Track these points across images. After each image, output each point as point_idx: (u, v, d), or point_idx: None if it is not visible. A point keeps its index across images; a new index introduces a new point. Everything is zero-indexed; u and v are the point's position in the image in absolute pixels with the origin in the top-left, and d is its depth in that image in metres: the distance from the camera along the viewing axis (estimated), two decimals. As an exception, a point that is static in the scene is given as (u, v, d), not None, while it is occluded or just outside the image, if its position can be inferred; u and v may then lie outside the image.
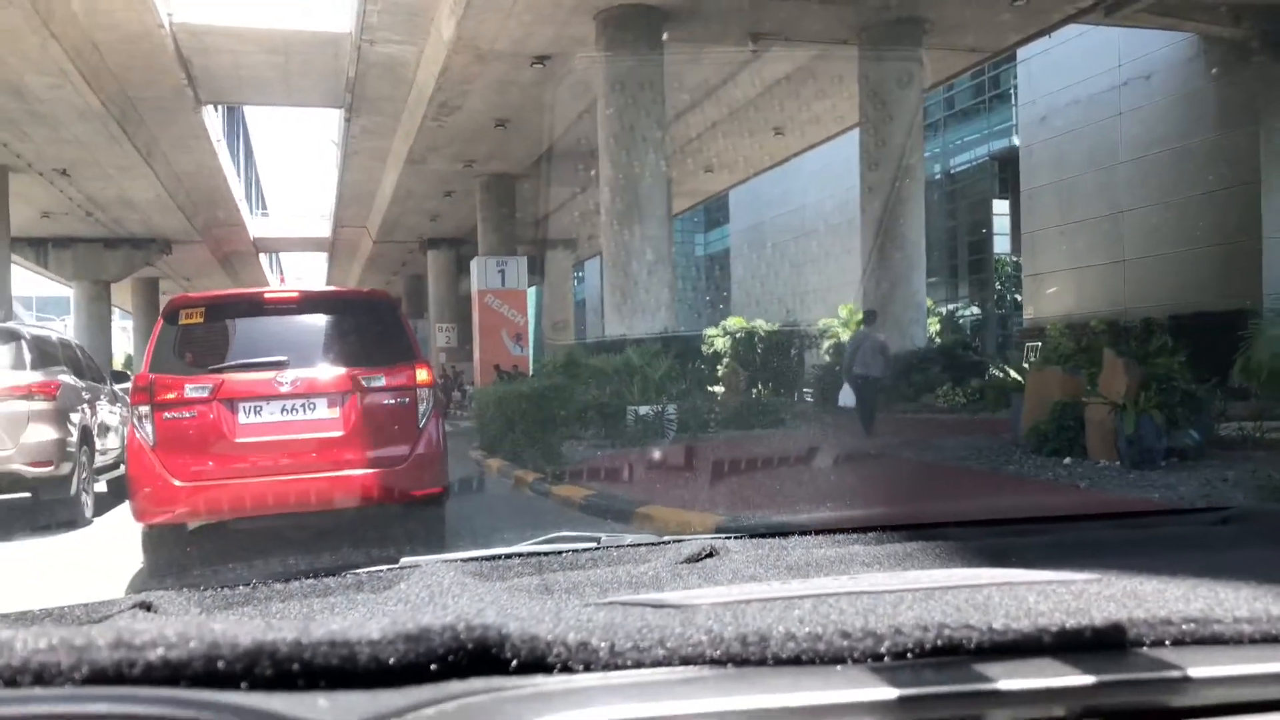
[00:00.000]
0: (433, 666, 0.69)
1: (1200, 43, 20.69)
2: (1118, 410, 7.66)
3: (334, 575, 1.22)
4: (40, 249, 36.63)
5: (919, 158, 18.49)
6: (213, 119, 26.76)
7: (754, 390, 16.85)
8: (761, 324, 23.03)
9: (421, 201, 32.85)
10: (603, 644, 0.73)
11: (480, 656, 0.70)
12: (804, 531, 1.41)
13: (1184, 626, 0.77)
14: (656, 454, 9.33)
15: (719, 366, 19.32)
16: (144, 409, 5.64)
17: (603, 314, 57.82)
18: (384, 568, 1.28)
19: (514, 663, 0.71)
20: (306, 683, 0.66)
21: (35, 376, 7.92)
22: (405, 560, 1.32)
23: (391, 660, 0.67)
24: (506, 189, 29.73)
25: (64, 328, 42.74)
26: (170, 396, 5.64)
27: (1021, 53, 25.44)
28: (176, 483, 5.54)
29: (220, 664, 0.64)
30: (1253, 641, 0.77)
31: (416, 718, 0.65)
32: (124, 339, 59.55)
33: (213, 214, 35.75)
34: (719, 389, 14.08)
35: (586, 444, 10.39)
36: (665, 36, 16.79)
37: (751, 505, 6.34)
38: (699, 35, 17.76)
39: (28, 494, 7.58)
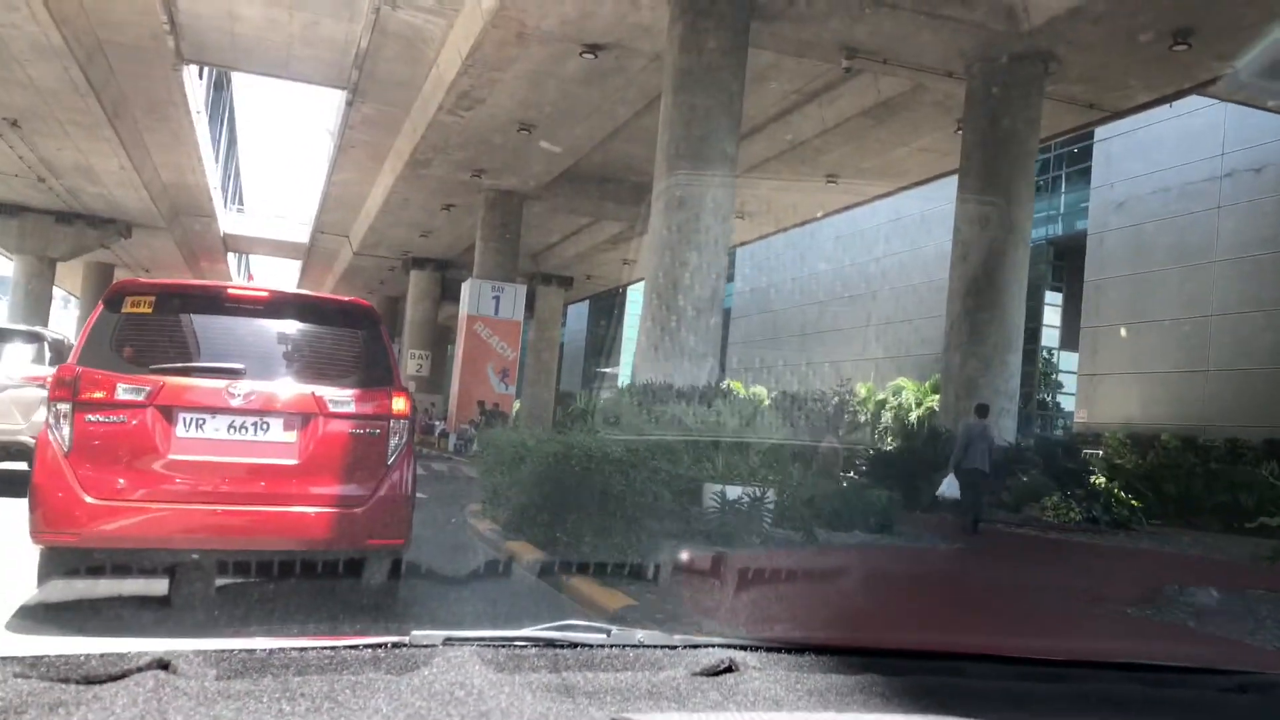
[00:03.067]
0: None
1: (1334, 134, 18.24)
2: None
3: (349, 644, 1.20)
4: (-18, 213, 33.06)
5: (1027, 218, 15.69)
6: (195, 87, 23.59)
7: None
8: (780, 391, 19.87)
9: (415, 213, 29.78)
10: None
11: None
12: (819, 649, 1.38)
13: None
14: (847, 584, 6.09)
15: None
16: (63, 407, 4.75)
17: (591, 358, 54.15)
18: (398, 640, 1.25)
19: None
20: None
21: (50, 370, 8.22)
22: (417, 635, 1.29)
23: None
24: (513, 209, 26.71)
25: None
26: (97, 395, 4.79)
27: (1101, 132, 23.02)
28: (87, 499, 4.66)
29: None
30: None
31: None
32: (66, 325, 55.52)
33: (182, 199, 32.38)
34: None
35: (653, 540, 7.11)
36: (751, 35, 13.97)
37: None
38: (787, 41, 14.97)
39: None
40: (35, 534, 4.72)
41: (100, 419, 4.79)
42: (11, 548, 4.79)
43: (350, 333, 5.46)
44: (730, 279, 47.52)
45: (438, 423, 30.29)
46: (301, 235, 40.96)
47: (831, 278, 37.36)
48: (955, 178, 27.06)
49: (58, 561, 4.92)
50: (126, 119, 23.17)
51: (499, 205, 26.54)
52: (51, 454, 4.74)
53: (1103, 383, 23.64)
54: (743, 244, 36.00)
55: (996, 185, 15.02)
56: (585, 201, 26.68)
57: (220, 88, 32.20)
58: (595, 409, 9.73)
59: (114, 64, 20.05)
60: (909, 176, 22.19)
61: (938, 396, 28.23)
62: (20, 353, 10.40)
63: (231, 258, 47.08)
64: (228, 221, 39.64)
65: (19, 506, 4.77)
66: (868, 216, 32.59)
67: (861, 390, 29.50)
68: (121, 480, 4.75)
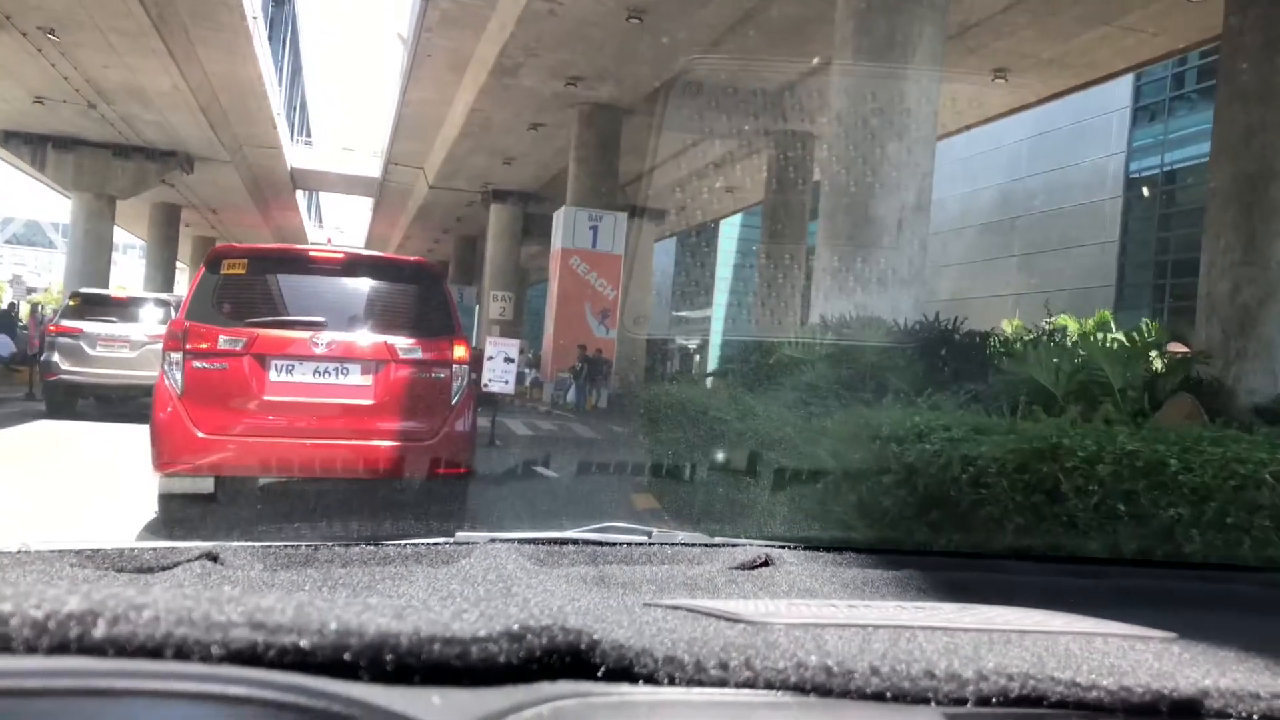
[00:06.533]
0: (532, 667, 0.71)
1: None
2: None
3: (393, 543, 1.23)
4: (38, 148, 30.66)
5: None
6: (250, -13, 20.56)
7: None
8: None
9: (498, 136, 26.57)
10: (689, 659, 0.73)
11: (570, 660, 0.72)
12: (858, 549, 1.37)
13: (1272, 703, 0.75)
14: None
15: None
16: (175, 356, 5.52)
17: (679, 301, 51.12)
18: (441, 540, 1.29)
19: (601, 669, 0.72)
20: (415, 677, 0.68)
21: None
22: (461, 535, 1.34)
23: (501, 660, 0.69)
24: (612, 125, 23.35)
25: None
26: (203, 346, 5.55)
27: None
28: (199, 434, 5.42)
29: (346, 655, 0.66)
30: None
31: (516, 719, 0.68)
32: (124, 266, 54.06)
33: (244, 127, 29.59)
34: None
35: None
36: None
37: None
38: None
39: None
40: (157, 464, 5.49)
41: (206, 366, 5.52)
42: (145, 473, 5.54)
43: (415, 288, 6.11)
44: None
45: (528, 370, 27.33)
46: (373, 169, 38.11)
47: (960, 203, 33.36)
48: (1138, 73, 23.02)
49: (174, 487, 5.72)
50: (174, 25, 20.24)
51: (595, 121, 23.19)
52: (167, 397, 5.50)
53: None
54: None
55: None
56: (693, 114, 23.19)
57: (280, 2, 29.28)
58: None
59: (153, -48, 17.08)
60: (1098, 68, 18.28)
61: (1112, 336, 24.49)
62: (153, 314, 12.93)
63: (300, 196, 44.54)
64: (295, 155, 36.90)
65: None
66: (1004, 131, 28.48)
67: (1007, 327, 25.84)
68: (226, 418, 5.49)
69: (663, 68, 20.06)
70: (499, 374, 12.34)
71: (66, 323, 12.83)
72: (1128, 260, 26.71)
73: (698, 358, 49.65)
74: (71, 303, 13.40)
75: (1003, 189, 31.02)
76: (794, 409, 5.27)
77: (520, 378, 26.43)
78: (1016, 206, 30.36)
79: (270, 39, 27.02)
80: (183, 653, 0.64)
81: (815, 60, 17.11)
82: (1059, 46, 17.20)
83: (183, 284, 48.84)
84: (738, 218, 42.66)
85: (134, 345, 12.46)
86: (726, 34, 18.12)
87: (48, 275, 79.67)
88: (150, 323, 12.66)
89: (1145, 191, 26.57)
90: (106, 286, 30.12)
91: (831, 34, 16.40)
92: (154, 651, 0.64)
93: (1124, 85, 25.47)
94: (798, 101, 21.52)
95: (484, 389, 12.53)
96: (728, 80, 21.20)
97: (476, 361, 10.25)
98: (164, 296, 14.32)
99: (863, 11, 10.24)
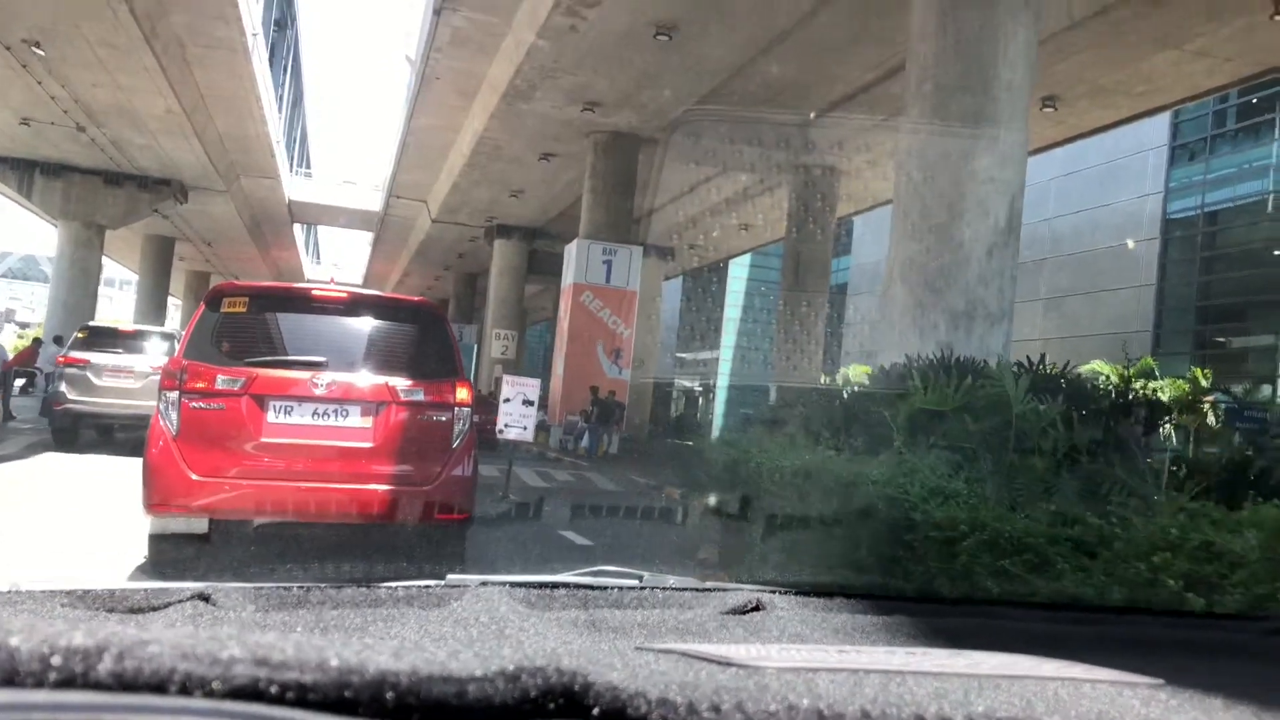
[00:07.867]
0: (526, 707, 0.70)
1: None
2: None
3: (385, 585, 1.23)
4: (25, 175, 29.36)
5: None
6: (250, 3, 19.38)
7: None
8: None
9: (507, 166, 25.34)
10: (681, 701, 0.72)
11: (565, 701, 0.71)
12: (848, 594, 1.38)
13: None
14: None
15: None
16: (171, 396, 5.41)
17: (684, 342, 49.75)
18: (432, 583, 1.29)
19: (595, 711, 0.71)
20: (414, 715, 0.68)
21: None
22: (452, 578, 1.33)
23: (497, 700, 0.69)
24: (628, 155, 22.11)
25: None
26: (200, 386, 5.44)
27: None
28: (193, 476, 5.29)
29: (347, 692, 0.67)
30: None
31: None
32: (119, 301, 52.66)
33: (241, 154, 28.34)
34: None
35: None
36: None
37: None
38: None
39: None
40: (148, 506, 5.33)
41: (203, 406, 5.38)
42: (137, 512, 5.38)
43: (418, 329, 6.03)
44: (847, 252, 42.51)
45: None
46: (374, 203, 36.88)
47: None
48: (1176, 110, 21.88)
49: (168, 527, 5.52)
50: (168, 41, 19.04)
51: (611, 151, 21.93)
52: (162, 436, 5.32)
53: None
54: (859, 212, 30.87)
55: None
56: (714, 145, 22.01)
57: (283, 26, 28.19)
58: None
59: (145, -43, 15.90)
60: (1157, 97, 17.10)
61: (1155, 384, 23.13)
62: (159, 347, 13.45)
63: (298, 230, 43.29)
64: (293, 187, 35.67)
65: None
66: (1032, 171, 27.33)
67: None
68: (221, 460, 5.30)
69: (688, 92, 18.82)
70: (516, 418, 10.89)
71: (75, 354, 13.29)
72: (1165, 305, 25.43)
73: (701, 401, 48.28)
74: (80, 335, 14.01)
75: (1026, 230, 29.82)
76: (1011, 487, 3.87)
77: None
78: (1043, 248, 29.15)
79: (271, 64, 25.89)
80: (186, 688, 0.65)
81: (867, 78, 15.92)
82: (1118, 72, 16.02)
83: (174, 318, 47.46)
84: (747, 257, 41.55)
85: (139, 376, 12.89)
86: (759, 55, 16.90)
87: (43, 310, 78.51)
88: (155, 354, 13.15)
89: (1128, 239, 25.36)
90: (92, 319, 28.77)
91: (879, 55, 15.30)
92: (158, 687, 0.65)
93: (1161, 122, 24.36)
94: (832, 133, 20.34)
95: (499, 435, 11.12)
96: (752, 108, 20.00)
97: (479, 403, 9.01)
98: (168, 330, 15.11)
99: (948, 8, 8.97)
